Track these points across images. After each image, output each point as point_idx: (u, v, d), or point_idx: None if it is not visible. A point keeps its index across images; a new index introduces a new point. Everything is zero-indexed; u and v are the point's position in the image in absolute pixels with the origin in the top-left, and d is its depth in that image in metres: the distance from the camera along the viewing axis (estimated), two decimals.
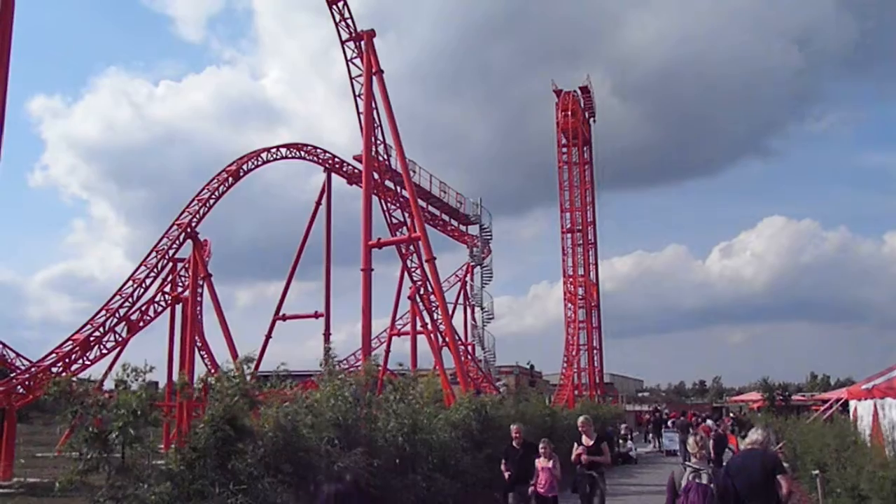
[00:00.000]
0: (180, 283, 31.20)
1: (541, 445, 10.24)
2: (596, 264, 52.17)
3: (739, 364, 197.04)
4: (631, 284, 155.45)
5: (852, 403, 20.48)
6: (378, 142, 30.90)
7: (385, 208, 32.18)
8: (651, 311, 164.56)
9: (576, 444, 10.76)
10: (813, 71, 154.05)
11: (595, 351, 49.82)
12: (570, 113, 49.79)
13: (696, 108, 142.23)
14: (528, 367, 59.13)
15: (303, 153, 36.87)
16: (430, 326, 32.10)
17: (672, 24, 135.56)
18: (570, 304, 48.63)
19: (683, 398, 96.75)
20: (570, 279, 49.11)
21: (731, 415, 45.65)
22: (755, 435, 7.22)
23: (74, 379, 7.18)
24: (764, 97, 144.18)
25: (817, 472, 13.09)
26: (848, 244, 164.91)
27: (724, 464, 9.76)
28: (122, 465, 6.65)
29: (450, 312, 35.95)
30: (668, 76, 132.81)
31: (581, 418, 11.18)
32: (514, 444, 10.49)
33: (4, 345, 31.73)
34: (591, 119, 54.41)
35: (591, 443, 10.67)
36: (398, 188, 32.36)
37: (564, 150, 51.03)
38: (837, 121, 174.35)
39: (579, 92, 52.23)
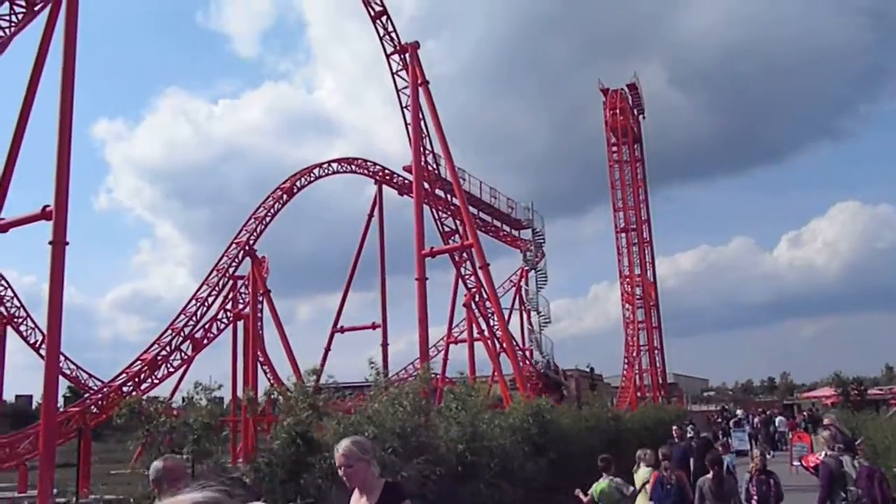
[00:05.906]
0: (241, 300, 31.91)
1: None
2: (653, 262, 51.32)
3: (810, 359, 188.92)
4: (695, 280, 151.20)
5: None
6: (427, 151, 31.08)
7: (436, 217, 32.35)
8: (717, 307, 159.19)
9: None
10: (886, 45, 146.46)
11: (656, 351, 48.94)
12: (617, 111, 49.36)
13: (759, 93, 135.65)
14: (588, 370, 58.47)
15: (353, 167, 37.34)
16: (486, 333, 32.03)
17: (731, 2, 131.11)
18: (627, 305, 47.96)
19: (751, 396, 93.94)
20: (627, 279, 48.43)
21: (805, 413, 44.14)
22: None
23: (144, 398, 7.40)
24: (833, 76, 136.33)
25: None
26: None
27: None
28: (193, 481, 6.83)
29: (506, 318, 35.80)
30: (728, 61, 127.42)
31: (343, 444, 3.98)
32: None
33: (78, 366, 33.08)
34: (641, 116, 53.69)
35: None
36: (449, 196, 32.45)
37: (614, 148, 50.46)
38: None
39: (627, 90, 51.65)
